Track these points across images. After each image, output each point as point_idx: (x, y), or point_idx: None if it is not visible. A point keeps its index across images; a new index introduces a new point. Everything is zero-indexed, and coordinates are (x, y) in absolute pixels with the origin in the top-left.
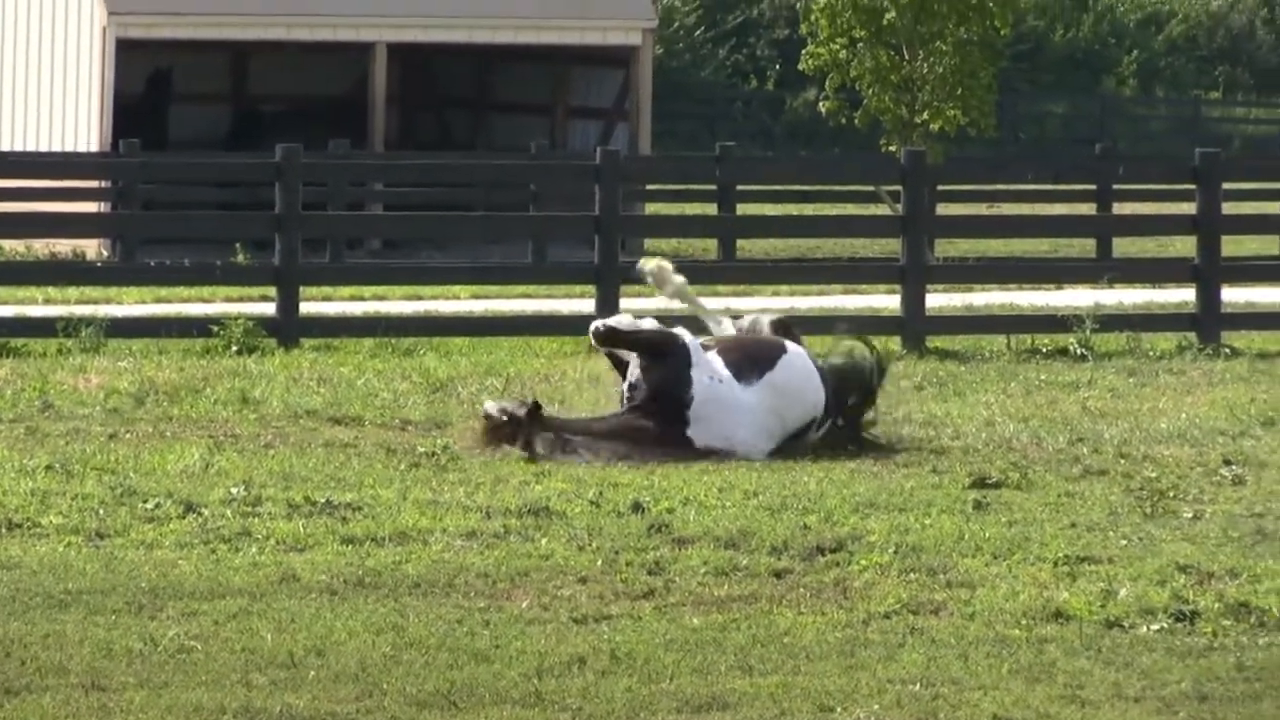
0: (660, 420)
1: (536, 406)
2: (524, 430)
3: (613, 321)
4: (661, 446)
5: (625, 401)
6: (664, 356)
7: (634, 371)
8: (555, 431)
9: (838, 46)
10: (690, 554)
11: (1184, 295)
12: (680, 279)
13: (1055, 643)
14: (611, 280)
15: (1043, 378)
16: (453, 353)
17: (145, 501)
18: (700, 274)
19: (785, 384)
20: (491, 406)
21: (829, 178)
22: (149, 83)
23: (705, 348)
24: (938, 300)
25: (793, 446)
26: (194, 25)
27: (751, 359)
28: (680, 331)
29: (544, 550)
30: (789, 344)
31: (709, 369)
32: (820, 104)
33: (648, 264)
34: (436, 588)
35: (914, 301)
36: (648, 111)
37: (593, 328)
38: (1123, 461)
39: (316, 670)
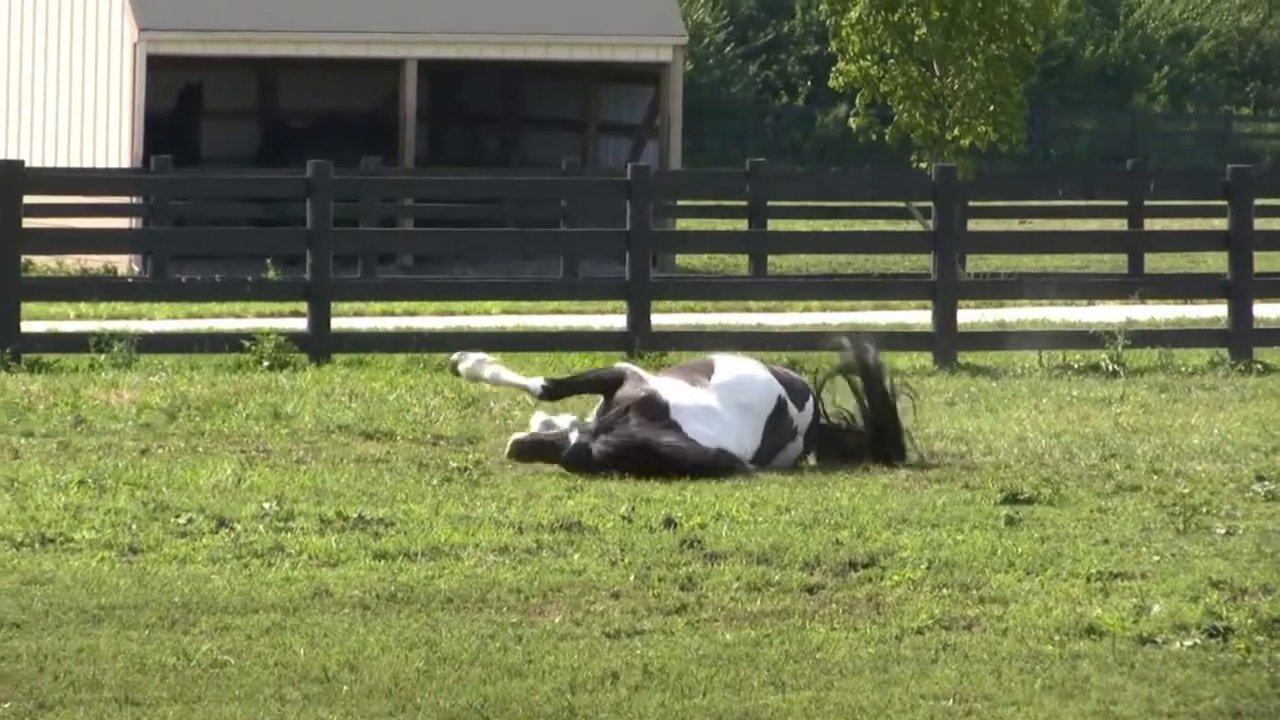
0: (656, 425)
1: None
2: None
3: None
4: (675, 446)
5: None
6: (619, 381)
7: (598, 410)
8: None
9: (868, 63)
10: (723, 569)
11: (1216, 311)
12: (488, 370)
13: (1088, 659)
14: (642, 295)
15: (1075, 393)
16: None
17: (178, 516)
18: (731, 290)
19: (731, 380)
20: (524, 436)
21: (860, 194)
22: (180, 99)
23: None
24: (969, 316)
25: (782, 439)
26: (224, 41)
27: (693, 373)
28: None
29: (576, 565)
30: (713, 355)
31: (665, 383)
32: (850, 120)
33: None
34: (469, 603)
35: (945, 317)
36: (678, 127)
37: (539, 388)
38: (1155, 477)
39: (350, 685)
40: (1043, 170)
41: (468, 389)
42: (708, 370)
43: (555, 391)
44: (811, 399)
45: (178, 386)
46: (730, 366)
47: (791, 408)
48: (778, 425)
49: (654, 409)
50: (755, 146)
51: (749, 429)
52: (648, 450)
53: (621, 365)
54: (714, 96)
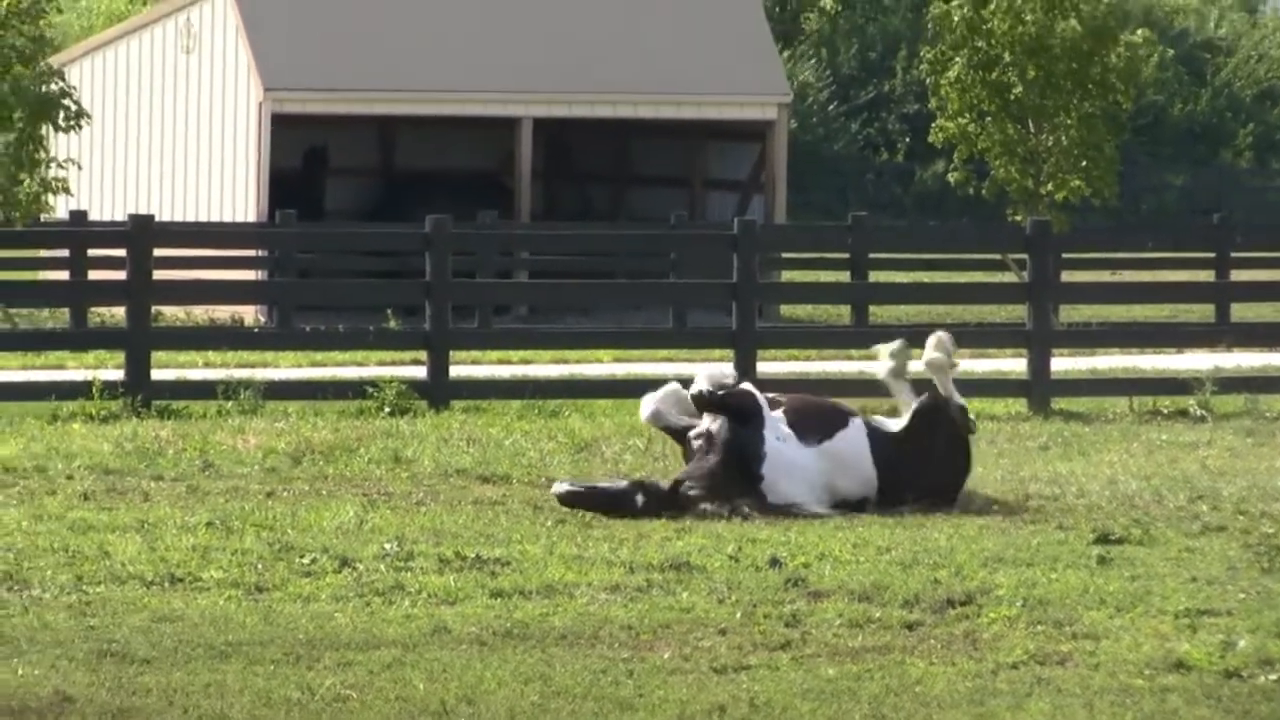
0: (736, 473)
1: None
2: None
3: (705, 386)
4: (740, 496)
5: (696, 449)
6: (745, 418)
7: (706, 421)
8: (664, 492)
9: (966, 120)
10: (825, 607)
11: None
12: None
13: (1177, 692)
14: (749, 344)
15: (1163, 438)
16: (597, 414)
17: (302, 556)
18: (834, 339)
19: (839, 454)
20: (561, 488)
21: (958, 246)
22: (306, 158)
23: (773, 405)
24: (1063, 364)
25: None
26: (346, 101)
27: (814, 422)
28: (750, 389)
29: (685, 603)
30: (852, 418)
31: (776, 429)
32: (949, 175)
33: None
34: (582, 639)
35: (1040, 365)
36: (783, 183)
37: (692, 393)
38: (1241, 518)
39: (467, 719)
40: (1133, 224)
41: (581, 434)
42: (829, 431)
43: (701, 404)
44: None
45: (302, 432)
46: (848, 442)
47: (869, 504)
48: (853, 506)
49: (744, 462)
50: (857, 201)
51: (825, 497)
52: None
53: (758, 401)
54: (817, 152)
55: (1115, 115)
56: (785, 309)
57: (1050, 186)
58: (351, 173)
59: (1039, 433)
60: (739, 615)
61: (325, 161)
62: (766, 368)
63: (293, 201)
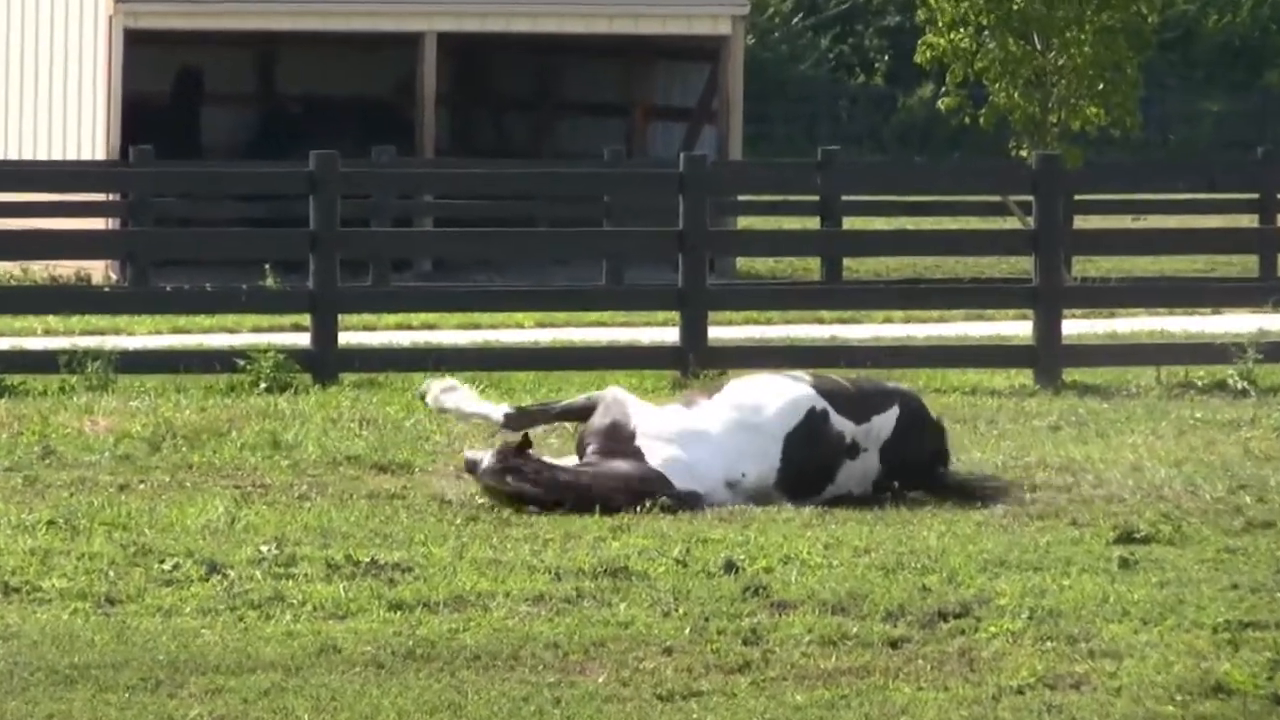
0: (619, 453)
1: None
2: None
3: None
4: (628, 474)
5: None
6: (592, 410)
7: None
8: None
9: (960, 35)
10: (792, 620)
11: None
12: (451, 399)
13: None
14: (698, 305)
15: (1198, 416)
16: (516, 389)
17: (162, 562)
18: (801, 299)
19: (743, 391)
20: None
21: (948, 186)
22: (177, 82)
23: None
24: (1076, 327)
25: (829, 455)
26: (213, 15)
27: (695, 396)
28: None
29: (623, 617)
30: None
31: (644, 409)
32: (939, 101)
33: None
34: (499, 660)
35: (1048, 329)
36: (739, 111)
37: (501, 416)
38: None
39: None
40: (1160, 159)
41: None
42: (715, 389)
43: (519, 421)
44: (892, 413)
45: (162, 412)
46: (742, 383)
47: (839, 419)
48: (813, 441)
49: (618, 435)
50: (828, 133)
51: (755, 451)
52: (573, 490)
53: (602, 392)
54: (780, 75)
55: (1139, 29)
56: (742, 262)
57: (1061, 114)
58: (231, 102)
59: (1048, 410)
60: (688, 631)
61: (199, 85)
62: (720, 332)
63: (163, 135)
